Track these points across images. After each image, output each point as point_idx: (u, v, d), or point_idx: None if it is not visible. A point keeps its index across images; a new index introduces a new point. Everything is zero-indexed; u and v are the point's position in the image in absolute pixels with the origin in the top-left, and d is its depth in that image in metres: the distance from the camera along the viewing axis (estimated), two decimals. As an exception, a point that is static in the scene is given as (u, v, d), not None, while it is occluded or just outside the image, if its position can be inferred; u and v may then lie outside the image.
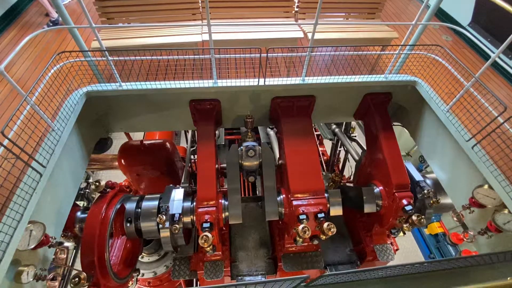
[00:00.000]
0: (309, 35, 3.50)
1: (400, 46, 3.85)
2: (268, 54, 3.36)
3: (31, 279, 2.56)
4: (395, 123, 4.82)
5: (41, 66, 3.95)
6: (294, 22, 4.39)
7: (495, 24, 4.89)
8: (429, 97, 3.88)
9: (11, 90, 3.56)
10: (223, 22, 4.24)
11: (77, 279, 3.02)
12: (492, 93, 3.12)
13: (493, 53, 3.06)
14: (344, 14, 4.75)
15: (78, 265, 3.35)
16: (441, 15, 5.76)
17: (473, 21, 5.19)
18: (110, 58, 3.37)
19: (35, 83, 2.89)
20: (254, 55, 4.06)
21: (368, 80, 3.97)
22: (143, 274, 5.37)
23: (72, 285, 3.06)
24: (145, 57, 3.90)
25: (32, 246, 2.58)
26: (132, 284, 4.03)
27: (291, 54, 4.34)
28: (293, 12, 4.45)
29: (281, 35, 4.07)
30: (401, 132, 6.59)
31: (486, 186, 3.18)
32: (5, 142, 2.53)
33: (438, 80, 3.93)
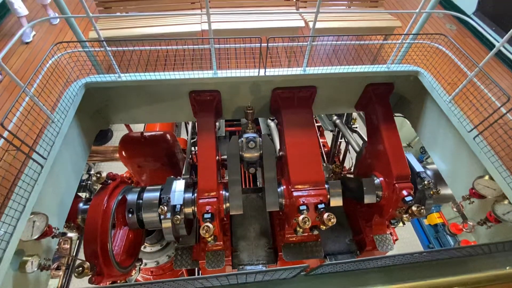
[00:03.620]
0: (311, 24, 3.44)
1: (403, 35, 3.78)
2: (269, 44, 3.31)
3: (36, 269, 2.60)
4: (396, 114, 4.79)
5: (39, 57, 3.91)
6: (295, 11, 4.30)
7: (500, 12, 4.79)
8: (432, 87, 3.83)
9: (9, 82, 3.53)
10: (223, 11, 4.16)
11: (81, 268, 3.07)
12: (495, 83, 3.08)
13: (498, 42, 3.00)
14: (346, 2, 4.65)
15: (82, 255, 3.40)
16: (445, 3, 5.63)
17: (478, 9, 5.08)
18: (108, 48, 3.33)
19: (33, 74, 2.87)
20: (254, 44, 4.00)
21: (370, 71, 3.92)
22: (145, 264, 5.46)
23: (76, 274, 3.11)
24: (143, 48, 3.85)
25: (36, 237, 2.62)
26: (135, 273, 4.10)
27: (292, 43, 4.27)
28: (294, 0, 4.36)
29: (282, 24, 4.00)
30: (402, 123, 6.56)
31: (486, 177, 3.17)
32: (5, 134, 2.53)
33: (441, 70, 3.87)
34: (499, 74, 4.20)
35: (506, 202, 3.06)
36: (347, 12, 4.46)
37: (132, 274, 4.00)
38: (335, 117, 7.33)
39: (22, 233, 2.48)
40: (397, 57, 4.01)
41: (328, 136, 9.29)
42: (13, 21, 4.50)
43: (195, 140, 6.89)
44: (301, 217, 3.36)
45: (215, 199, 3.53)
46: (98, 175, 3.58)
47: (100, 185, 3.69)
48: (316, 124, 8.54)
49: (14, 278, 2.51)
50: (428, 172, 4.60)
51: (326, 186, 3.77)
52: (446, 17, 5.27)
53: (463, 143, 3.47)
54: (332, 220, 3.38)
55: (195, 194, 3.77)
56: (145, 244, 5.29)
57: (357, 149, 5.89)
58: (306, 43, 3.61)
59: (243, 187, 7.44)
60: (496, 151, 3.13)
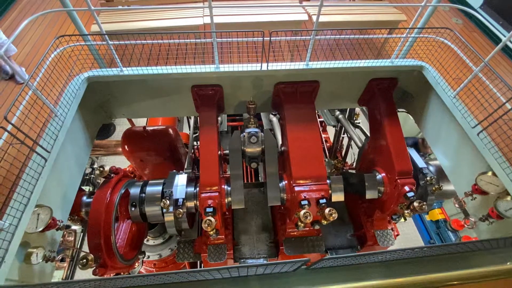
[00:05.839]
0: (314, 18, 3.40)
1: (407, 29, 3.73)
2: (271, 38, 3.28)
3: (41, 260, 2.65)
4: (399, 109, 4.75)
5: (42, 50, 3.91)
6: (299, 4, 4.25)
7: (507, 6, 4.69)
8: (436, 82, 3.79)
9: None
10: (225, 4, 4.12)
11: (85, 260, 3.13)
12: (501, 78, 3.04)
13: (505, 36, 2.95)
14: (350, -5, 4.59)
15: (86, 247, 3.45)
16: (452, -4, 5.53)
17: (485, 3, 4.98)
18: (110, 42, 3.32)
19: (36, 68, 2.87)
20: (256, 38, 3.97)
21: (373, 65, 3.88)
22: (148, 256, 5.53)
23: (80, 266, 3.16)
24: (145, 41, 3.83)
25: (40, 229, 2.66)
26: (138, 265, 4.16)
27: (295, 37, 4.23)
28: (298, -7, 4.30)
29: (285, 18, 3.96)
30: (405, 119, 6.51)
31: (489, 173, 3.16)
32: (9, 127, 2.55)
33: (446, 65, 3.82)
34: (505, 69, 4.14)
35: (508, 198, 3.05)
36: (351, 6, 4.39)
37: (135, 266, 4.07)
38: (337, 112, 7.29)
39: (27, 225, 2.52)
40: (401, 51, 3.96)
41: (331, 131, 9.26)
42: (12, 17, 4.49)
43: (197, 134, 6.91)
44: (302, 212, 3.37)
45: (217, 194, 3.55)
46: (101, 169, 3.61)
47: (103, 179, 3.72)
48: (318, 119, 8.51)
49: (20, 269, 2.56)
50: (431, 168, 4.58)
51: (328, 181, 3.78)
52: (452, 10, 5.18)
53: (466, 139, 3.45)
54: (333, 215, 3.39)
55: (197, 188, 3.79)
56: (148, 237, 5.35)
57: (360, 144, 5.88)
58: (309, 37, 3.57)
59: (245, 181, 7.48)
60: (500, 147, 3.11)
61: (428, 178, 3.85)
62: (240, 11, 3.99)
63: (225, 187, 3.79)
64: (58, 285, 1.90)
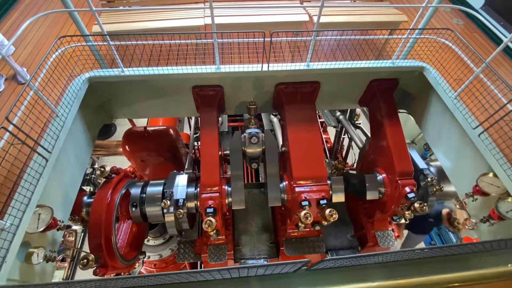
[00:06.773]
0: (315, 19, 3.40)
1: (408, 30, 3.73)
2: (272, 39, 3.28)
3: (41, 260, 2.66)
4: (400, 110, 4.75)
5: (43, 51, 3.92)
6: (299, 5, 4.25)
7: (509, 7, 4.69)
8: (437, 83, 3.79)
9: (14, 76, 3.55)
10: (226, 5, 4.13)
11: (85, 260, 3.13)
12: (502, 79, 3.04)
13: (506, 37, 2.95)
14: (351, -4, 4.59)
15: (86, 247, 3.45)
16: (453, -3, 5.52)
17: (486, 4, 4.98)
18: (111, 42, 3.32)
19: (37, 68, 2.88)
20: (257, 39, 3.97)
21: (374, 66, 3.88)
22: (149, 257, 5.54)
23: (81, 266, 3.17)
24: (146, 42, 3.84)
25: (41, 229, 2.66)
26: (138, 266, 4.16)
27: (295, 38, 4.23)
28: (298, -6, 4.31)
29: (286, 19, 3.96)
30: (406, 120, 6.51)
31: (491, 174, 3.15)
32: (11, 128, 2.56)
33: (447, 65, 3.82)
34: (506, 70, 4.13)
35: (510, 199, 3.04)
36: (352, 6, 4.40)
37: (136, 266, 4.07)
38: (338, 113, 7.29)
39: (28, 225, 2.52)
40: (402, 52, 3.96)
41: (331, 132, 9.25)
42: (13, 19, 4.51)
43: (198, 135, 6.91)
44: (303, 213, 3.37)
45: (217, 194, 3.55)
46: (102, 169, 3.61)
47: (104, 179, 3.73)
48: (319, 120, 8.50)
49: (21, 269, 2.56)
50: (432, 169, 4.57)
51: (329, 182, 3.77)
52: (453, 11, 5.17)
53: (467, 140, 3.44)
54: (334, 216, 3.39)
55: (198, 189, 3.80)
56: (148, 237, 5.35)
57: (360, 145, 5.88)
58: (310, 38, 3.58)
59: (246, 182, 7.48)
60: (501, 148, 3.10)
61: (429, 179, 3.85)
62: (241, 12, 4.00)
63: (226, 187, 3.79)
64: (59, 285, 1.90)
